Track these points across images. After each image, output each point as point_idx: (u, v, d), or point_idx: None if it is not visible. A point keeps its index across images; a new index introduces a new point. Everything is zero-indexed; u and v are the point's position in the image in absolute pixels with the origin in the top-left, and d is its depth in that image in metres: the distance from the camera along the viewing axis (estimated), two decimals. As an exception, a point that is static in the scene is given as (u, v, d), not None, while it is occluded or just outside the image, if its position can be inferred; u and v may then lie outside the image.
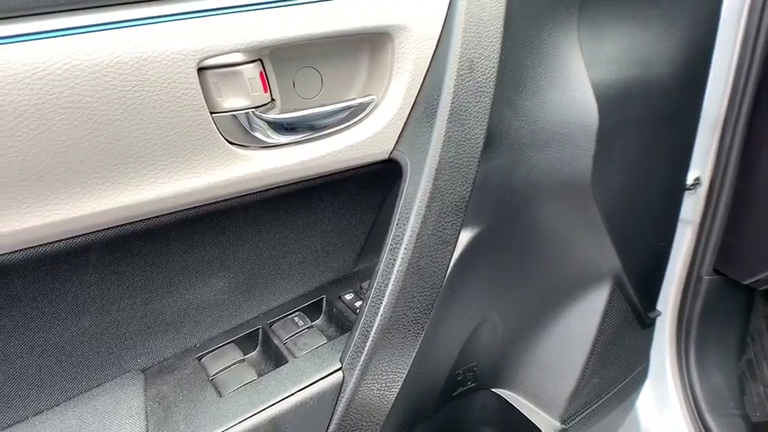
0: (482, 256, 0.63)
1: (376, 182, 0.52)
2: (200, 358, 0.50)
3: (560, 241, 0.68)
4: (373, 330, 0.45)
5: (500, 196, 0.61)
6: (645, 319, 0.84)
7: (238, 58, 0.40)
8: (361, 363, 0.46)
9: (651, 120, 0.70)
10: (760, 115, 0.85)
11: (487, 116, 0.48)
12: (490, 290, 0.67)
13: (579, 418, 0.81)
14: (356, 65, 0.48)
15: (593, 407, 0.82)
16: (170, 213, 0.41)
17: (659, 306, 0.98)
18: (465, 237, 0.59)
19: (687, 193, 0.94)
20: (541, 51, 0.59)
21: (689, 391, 1.02)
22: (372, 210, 0.56)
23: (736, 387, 1.07)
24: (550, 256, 0.68)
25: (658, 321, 1.02)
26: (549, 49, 0.59)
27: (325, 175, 0.48)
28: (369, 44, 0.47)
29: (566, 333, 0.75)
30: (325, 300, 0.55)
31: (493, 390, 0.78)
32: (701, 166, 0.92)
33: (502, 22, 0.49)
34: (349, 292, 0.55)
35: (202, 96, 0.39)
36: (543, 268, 0.69)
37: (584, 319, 0.74)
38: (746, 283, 0.95)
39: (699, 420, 1.01)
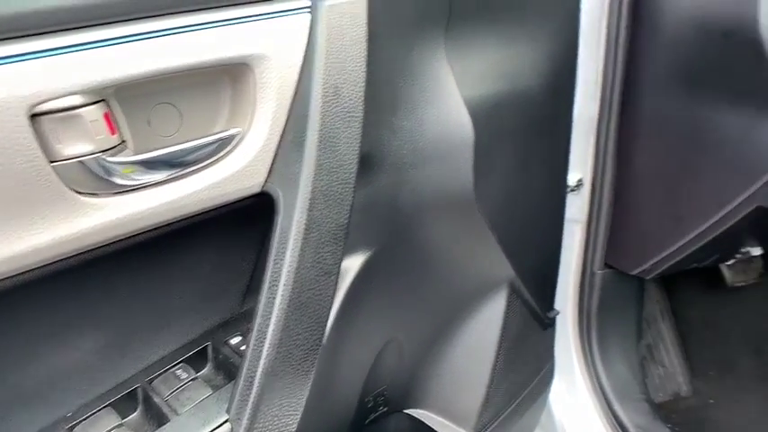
0: (377, 278, 0.62)
1: (254, 217, 0.50)
2: (71, 429, 0.46)
3: (452, 255, 0.69)
4: (258, 375, 0.43)
5: (388, 217, 0.61)
6: (545, 320, 0.86)
7: (77, 100, 0.37)
8: (248, 411, 0.43)
9: (526, 129, 0.73)
10: (628, 117, 0.90)
11: (359, 140, 0.48)
12: (390, 311, 0.67)
13: (494, 425, 0.81)
14: (217, 97, 0.46)
15: (506, 412, 0.84)
16: (13, 276, 0.37)
17: (559, 304, 1.01)
18: (356, 262, 0.58)
19: (572, 194, 0.98)
20: (414, 71, 0.60)
21: (596, 382, 1.06)
22: (254, 246, 0.54)
23: (639, 372, 1.12)
24: (445, 270, 0.69)
25: (561, 318, 1.06)
26: (421, 68, 0.60)
27: (195, 215, 0.45)
28: (229, 76, 0.46)
29: (470, 344, 0.75)
30: (210, 347, 0.53)
31: (406, 411, 0.77)
32: (582, 168, 0.97)
33: (365, 46, 0.49)
34: (236, 336, 0.52)
35: (38, 145, 0.36)
36: (440, 283, 0.69)
37: (485, 328, 0.75)
38: (634, 273, 1.00)
39: (608, 409, 1.05)
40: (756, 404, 1.24)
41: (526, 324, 0.82)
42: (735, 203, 0.81)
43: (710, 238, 0.87)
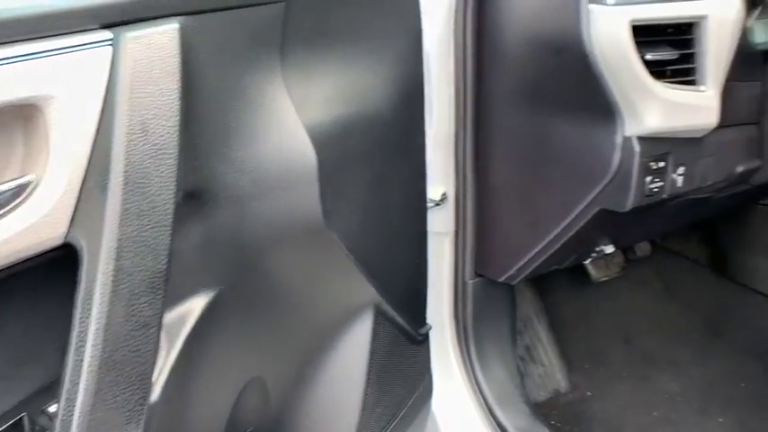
0: (226, 318, 0.59)
1: (65, 270, 0.45)
2: None
3: (310, 285, 0.67)
4: (70, 448, 0.39)
5: (232, 254, 0.58)
6: (417, 337, 0.87)
7: None
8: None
9: (376, 151, 0.73)
10: (482, 133, 0.93)
11: (174, 179, 0.45)
12: (247, 350, 0.64)
13: (373, 450, 0.80)
14: (8, 142, 0.42)
15: (385, 435, 0.83)
16: None
17: (436, 316, 1.02)
18: (198, 305, 0.55)
19: (438, 208, 1.00)
20: (247, 99, 0.57)
21: (477, 390, 1.08)
22: (69, 301, 0.49)
23: (517, 375, 1.16)
24: (303, 302, 0.67)
25: (439, 330, 1.07)
26: (255, 95, 0.58)
27: (-9, 274, 0.40)
28: (19, 118, 0.41)
29: (338, 374, 0.74)
30: (26, 417, 0.47)
31: (279, 450, 0.74)
32: (445, 183, 0.99)
33: (178, 78, 0.46)
34: (54, 403, 0.47)
35: None
36: (299, 316, 0.67)
37: (352, 355, 0.74)
38: (501, 280, 1.04)
39: (490, 415, 1.07)
40: (627, 391, 1.32)
41: (397, 344, 0.82)
42: (580, 207, 0.86)
43: (564, 240, 0.91)
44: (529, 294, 1.38)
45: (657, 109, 0.74)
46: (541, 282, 1.44)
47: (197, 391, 0.57)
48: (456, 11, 0.86)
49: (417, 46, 0.79)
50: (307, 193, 0.60)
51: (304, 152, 0.60)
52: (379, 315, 0.76)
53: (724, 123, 0.85)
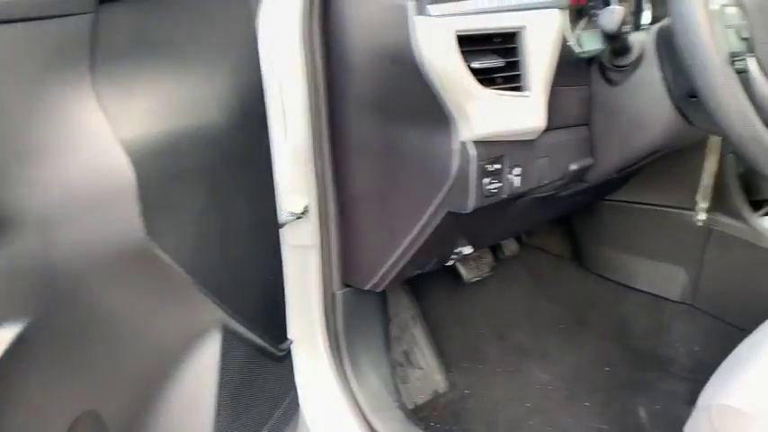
0: (41, 352, 0.55)
1: None
2: None
3: (141, 310, 0.64)
4: None
5: (42, 283, 0.54)
6: (276, 353, 0.85)
7: None
8: None
9: (215, 165, 0.71)
10: (339, 144, 0.94)
11: None
12: (72, 383, 0.59)
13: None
14: None
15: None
16: None
17: (308, 330, 1.01)
18: (2, 338, 0.51)
19: (301, 221, 1.00)
20: (50, 117, 0.54)
21: (352, 399, 1.08)
22: None
23: (392, 381, 1.17)
24: (136, 327, 0.64)
25: (313, 343, 1.06)
26: (61, 113, 0.55)
27: None
28: None
29: (186, 400, 0.71)
30: None
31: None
32: (307, 195, 0.99)
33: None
34: None
35: None
36: (133, 343, 0.64)
37: (200, 379, 0.71)
38: (367, 288, 1.04)
39: (365, 423, 1.07)
40: (502, 386, 1.37)
41: (253, 362, 0.80)
42: (430, 211, 0.89)
43: (420, 245, 0.93)
44: (405, 300, 1.40)
45: (486, 115, 0.78)
46: (417, 287, 1.47)
47: (14, 429, 0.53)
48: (303, 23, 0.86)
49: (253, 57, 0.78)
50: (125, 214, 0.57)
51: (120, 170, 0.57)
52: (229, 335, 0.74)
53: (555, 126, 0.92)
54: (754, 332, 0.86)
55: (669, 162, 1.26)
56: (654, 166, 1.29)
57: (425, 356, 1.37)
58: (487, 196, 0.84)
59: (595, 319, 1.52)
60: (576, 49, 0.98)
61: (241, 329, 0.76)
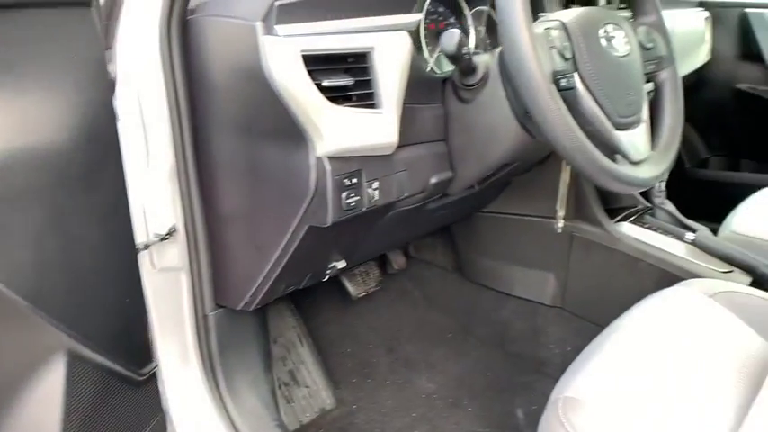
0: None
1: None
2: None
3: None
4: None
5: None
6: (136, 378, 0.83)
7: None
8: None
9: (56, 185, 0.69)
10: (204, 163, 0.93)
11: None
12: None
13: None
14: None
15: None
16: None
17: (182, 353, 0.99)
18: None
19: (168, 242, 0.98)
20: None
21: (228, 420, 1.06)
22: None
23: (272, 401, 1.16)
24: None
25: (185, 367, 1.04)
26: None
27: None
28: None
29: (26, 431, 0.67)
30: None
31: None
32: (174, 216, 0.97)
33: None
34: None
35: None
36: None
37: (41, 410, 0.68)
38: (239, 308, 1.04)
39: None
40: (390, 397, 1.40)
41: (107, 388, 0.77)
42: (293, 227, 0.90)
43: (287, 261, 0.94)
44: (290, 319, 1.40)
45: (339, 131, 0.81)
46: (304, 305, 1.48)
47: None
48: (161, 43, 0.86)
49: (99, 77, 0.77)
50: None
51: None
52: (76, 360, 0.71)
53: (413, 141, 0.96)
54: (605, 329, 0.93)
55: (534, 173, 1.35)
56: (521, 178, 1.38)
57: (312, 375, 1.37)
58: (346, 210, 0.86)
59: (478, 327, 1.58)
60: (435, 71, 1.04)
61: (90, 354, 0.73)
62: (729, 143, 2.13)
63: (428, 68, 1.02)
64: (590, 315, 1.41)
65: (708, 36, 1.96)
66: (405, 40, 0.87)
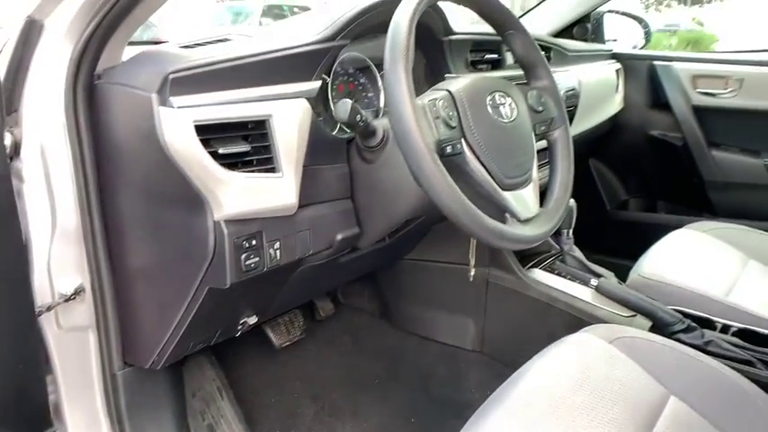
0: None
1: None
2: None
3: None
4: None
5: None
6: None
7: None
8: None
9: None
10: (112, 224, 0.94)
11: None
12: None
13: None
14: None
15: None
16: None
17: (90, 414, 0.98)
18: None
19: (75, 302, 0.97)
20: None
21: None
22: None
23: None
24: None
25: (95, 429, 1.02)
26: None
27: None
28: None
29: None
30: None
31: None
32: (81, 275, 0.97)
33: None
34: None
35: None
36: None
37: None
38: (147, 366, 1.04)
39: None
40: (315, 447, 1.40)
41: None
42: (194, 288, 0.92)
43: (191, 320, 0.96)
44: (210, 372, 1.39)
45: (235, 196, 0.84)
46: (227, 356, 1.48)
47: None
48: (66, 106, 0.87)
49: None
50: None
51: None
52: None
53: (317, 200, 0.99)
54: (512, 375, 0.97)
55: (450, 222, 1.41)
56: (440, 226, 1.43)
57: (232, 428, 1.36)
58: (246, 271, 0.88)
59: (404, 373, 1.60)
60: (341, 132, 1.08)
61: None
62: (646, 185, 2.25)
63: (334, 131, 1.06)
64: (507, 358, 1.46)
65: (621, 86, 2.08)
66: (303, 108, 0.91)
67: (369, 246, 1.13)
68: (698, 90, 1.98)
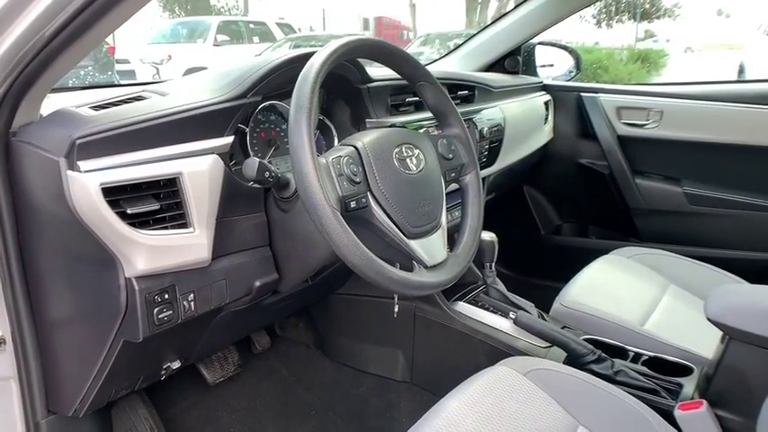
0: None
1: None
2: None
3: None
4: None
5: None
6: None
7: None
8: None
9: None
10: (32, 275, 0.96)
11: None
12: None
13: None
14: None
15: None
16: None
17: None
18: None
19: (-3, 352, 0.99)
20: None
21: None
22: None
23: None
24: None
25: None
26: None
27: None
28: None
29: None
30: None
31: None
32: (2, 326, 0.98)
33: None
34: None
35: None
36: None
37: None
38: (71, 414, 1.05)
39: None
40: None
41: None
42: (110, 340, 0.94)
43: (110, 369, 0.98)
44: (143, 410, 1.40)
45: (146, 254, 0.87)
46: (162, 395, 1.49)
47: None
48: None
49: None
50: None
51: None
52: None
53: (234, 250, 1.03)
54: (432, 407, 1.01)
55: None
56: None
57: (165, 467, 1.37)
58: (159, 324, 0.91)
59: (339, 404, 1.64)
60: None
61: None
62: (578, 211, 2.35)
63: (250, 182, 1.09)
64: (435, 389, 1.51)
65: (550, 117, 2.18)
66: (214, 164, 0.95)
67: (290, 289, 1.17)
68: (622, 121, 2.09)
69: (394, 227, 0.96)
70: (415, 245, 0.98)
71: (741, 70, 9.17)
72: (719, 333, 1.08)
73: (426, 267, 0.99)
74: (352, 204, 0.91)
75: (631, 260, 1.69)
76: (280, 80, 1.05)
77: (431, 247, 1.01)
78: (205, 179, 0.93)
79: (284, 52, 1.09)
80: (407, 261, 0.99)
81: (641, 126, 2.06)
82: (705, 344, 1.30)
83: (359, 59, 1.19)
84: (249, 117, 1.12)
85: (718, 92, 1.95)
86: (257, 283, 1.07)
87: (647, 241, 2.12)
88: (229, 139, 0.98)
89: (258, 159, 0.93)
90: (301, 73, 0.90)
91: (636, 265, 1.66)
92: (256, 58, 1.08)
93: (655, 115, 2.04)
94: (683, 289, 1.55)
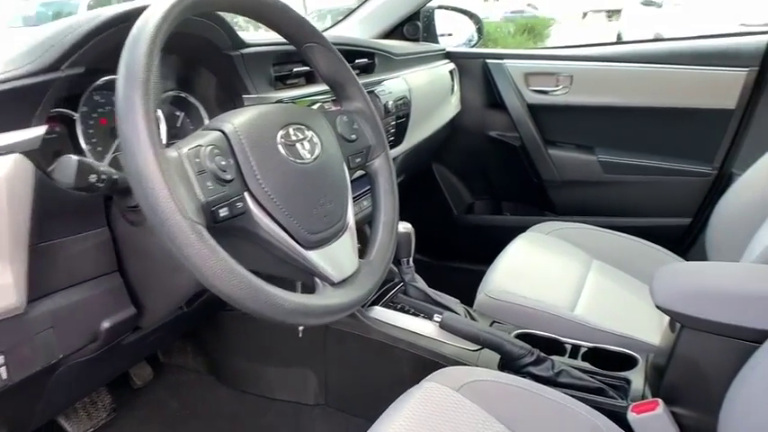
0: None
1: None
2: None
3: None
4: None
5: None
6: None
7: None
8: None
9: None
10: None
11: None
12: None
13: None
14: None
15: None
16: None
17: None
18: None
19: None
20: None
21: None
22: None
23: None
24: None
25: None
26: None
27: None
28: None
29: None
30: None
31: None
32: None
33: None
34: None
35: None
36: None
37: None
38: None
39: None
40: None
41: None
42: None
43: None
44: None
45: None
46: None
47: None
48: None
49: None
50: None
51: None
52: None
53: (63, 286, 0.75)
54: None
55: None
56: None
57: None
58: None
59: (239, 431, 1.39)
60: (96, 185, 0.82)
61: None
62: (490, 187, 2.20)
63: (93, 179, 0.78)
64: (353, 409, 1.30)
65: (456, 87, 2.00)
66: (15, 167, 0.65)
67: (156, 323, 0.90)
68: (531, 88, 1.95)
69: (285, 236, 0.72)
70: (316, 257, 0.75)
71: (619, 39, 9.60)
72: (655, 313, 0.95)
73: (333, 284, 0.76)
74: (223, 212, 0.66)
75: (550, 236, 1.56)
76: (111, 44, 0.75)
77: (336, 258, 0.78)
78: (2, 191, 0.64)
79: (120, 5, 0.79)
80: (309, 278, 0.76)
81: (551, 93, 1.93)
82: (643, 327, 1.20)
83: (226, 19, 0.92)
84: (79, 98, 0.82)
85: (628, 53, 1.85)
86: (106, 324, 0.79)
87: (563, 214, 2.01)
88: (40, 131, 0.69)
89: (77, 158, 0.64)
90: (131, 32, 0.63)
91: (556, 240, 1.54)
92: (77, 16, 0.77)
93: (564, 80, 1.91)
94: (606, 263, 1.45)
